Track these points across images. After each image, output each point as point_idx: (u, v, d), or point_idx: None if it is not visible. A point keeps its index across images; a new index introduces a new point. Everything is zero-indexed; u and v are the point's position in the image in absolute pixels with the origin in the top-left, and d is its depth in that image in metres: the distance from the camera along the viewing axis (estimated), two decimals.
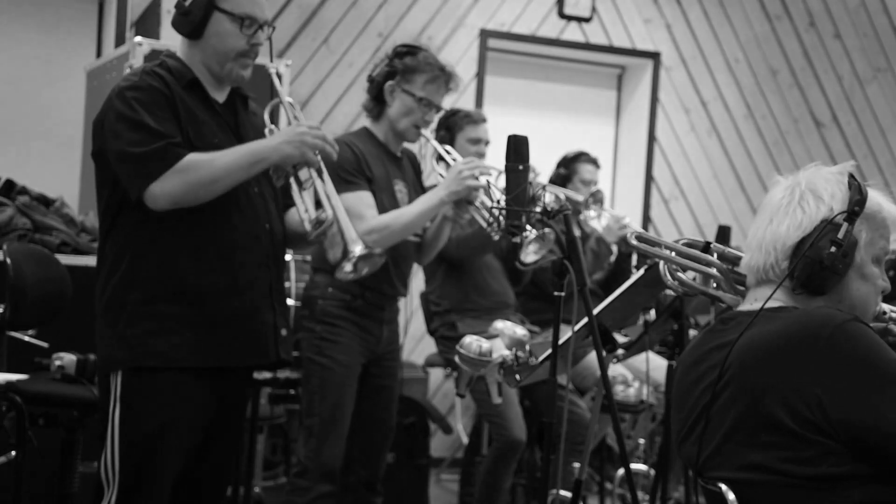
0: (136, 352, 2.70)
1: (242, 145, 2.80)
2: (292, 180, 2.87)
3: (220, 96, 2.89)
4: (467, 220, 3.62)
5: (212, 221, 2.76)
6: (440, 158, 3.82)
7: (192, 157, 2.71)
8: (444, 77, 3.58)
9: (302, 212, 2.86)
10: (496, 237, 3.53)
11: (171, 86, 2.77)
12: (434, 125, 4.20)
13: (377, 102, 3.62)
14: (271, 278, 2.86)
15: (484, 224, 3.48)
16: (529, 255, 3.68)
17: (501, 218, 2.71)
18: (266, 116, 2.99)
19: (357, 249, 2.82)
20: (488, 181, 3.48)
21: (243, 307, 2.79)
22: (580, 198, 4.80)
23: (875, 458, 1.83)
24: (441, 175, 3.62)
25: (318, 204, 2.87)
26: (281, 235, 2.93)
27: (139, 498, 2.73)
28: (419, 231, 3.63)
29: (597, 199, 4.74)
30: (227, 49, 2.82)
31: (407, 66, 3.56)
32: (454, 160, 3.65)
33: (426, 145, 3.82)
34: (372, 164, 3.53)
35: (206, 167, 2.71)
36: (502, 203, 2.73)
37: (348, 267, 2.84)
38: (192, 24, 2.81)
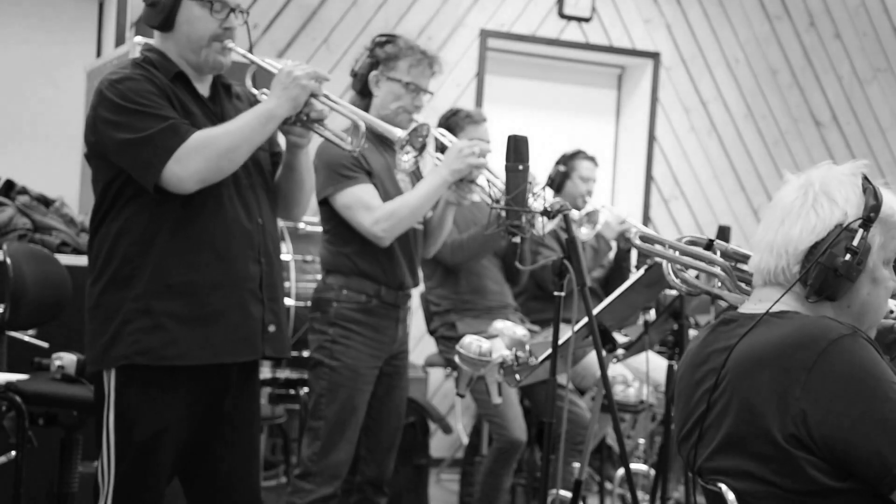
0: (130, 349, 2.66)
1: (246, 111, 2.77)
2: (307, 119, 2.86)
3: (204, 90, 2.85)
4: (470, 202, 3.56)
5: (204, 215, 2.72)
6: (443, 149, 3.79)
7: (205, 133, 2.68)
8: (427, 60, 3.56)
9: (338, 141, 2.91)
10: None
11: (160, 79, 2.73)
12: (435, 123, 4.18)
13: (363, 96, 3.60)
14: (262, 273, 2.81)
15: (488, 201, 3.43)
16: (582, 234, 3.95)
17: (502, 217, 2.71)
18: (248, 82, 2.94)
19: (402, 133, 2.92)
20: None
21: (233, 302, 2.75)
22: (576, 215, 4.81)
23: (857, 478, 1.79)
24: (438, 159, 3.56)
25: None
26: (273, 229, 2.90)
27: (134, 500, 2.72)
28: (427, 214, 3.57)
29: (591, 219, 4.76)
30: (200, 35, 2.76)
31: (389, 53, 3.54)
32: (451, 142, 3.59)
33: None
34: (369, 157, 3.49)
35: (224, 137, 2.68)
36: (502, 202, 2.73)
37: (407, 148, 2.92)
38: (162, 15, 2.76)
